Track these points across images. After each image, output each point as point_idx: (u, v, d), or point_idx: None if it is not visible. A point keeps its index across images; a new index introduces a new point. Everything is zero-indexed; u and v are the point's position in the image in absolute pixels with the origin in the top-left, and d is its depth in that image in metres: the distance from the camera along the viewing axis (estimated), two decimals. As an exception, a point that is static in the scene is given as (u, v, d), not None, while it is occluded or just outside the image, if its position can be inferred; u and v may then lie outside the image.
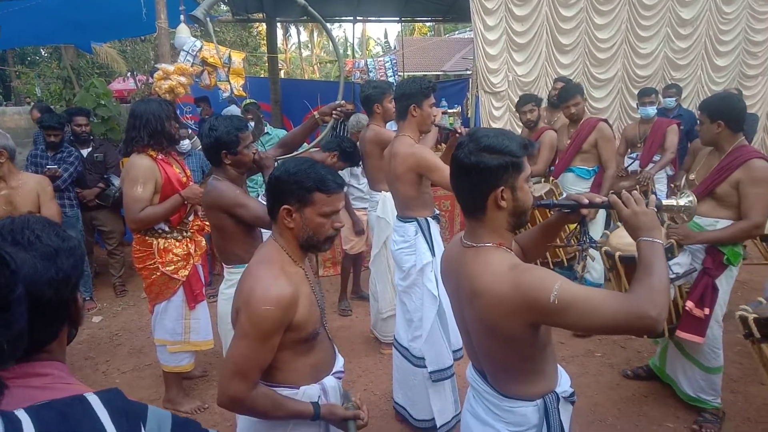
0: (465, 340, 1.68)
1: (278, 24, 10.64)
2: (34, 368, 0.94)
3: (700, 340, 2.92)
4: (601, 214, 4.47)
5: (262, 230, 2.72)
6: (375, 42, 33.48)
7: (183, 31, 5.06)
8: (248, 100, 5.59)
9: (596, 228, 4.19)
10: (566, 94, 4.48)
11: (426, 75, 15.49)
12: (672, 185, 5.12)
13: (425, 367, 2.95)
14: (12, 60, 14.81)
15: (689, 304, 2.91)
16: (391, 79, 8.63)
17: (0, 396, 0.74)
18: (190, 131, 5.41)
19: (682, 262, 3.01)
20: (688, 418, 3.11)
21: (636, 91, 5.78)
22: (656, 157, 4.99)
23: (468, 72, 11.89)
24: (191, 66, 4.86)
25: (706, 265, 2.93)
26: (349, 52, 16.54)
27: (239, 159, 2.59)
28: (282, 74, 18.27)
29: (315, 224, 1.62)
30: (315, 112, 3.12)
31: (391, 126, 4.03)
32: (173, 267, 3.17)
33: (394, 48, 23.02)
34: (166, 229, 3.18)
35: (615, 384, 3.53)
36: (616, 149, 4.70)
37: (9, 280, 0.75)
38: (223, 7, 9.24)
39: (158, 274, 3.16)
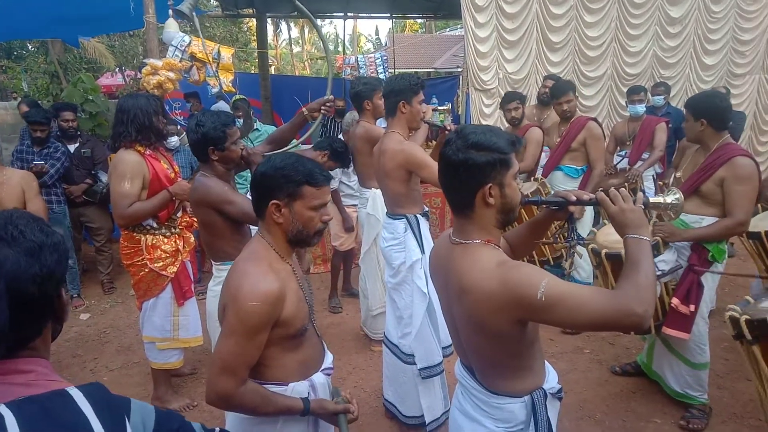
0: (453, 336, 1.68)
1: (269, 20, 10.58)
2: (17, 365, 0.93)
3: (686, 336, 2.95)
4: (589, 212, 4.50)
5: (251, 227, 2.71)
6: (366, 38, 33.48)
7: (171, 26, 5.01)
8: (237, 96, 5.57)
9: (584, 226, 4.22)
10: (558, 90, 4.49)
11: (417, 72, 15.52)
12: (660, 183, 5.16)
13: (415, 364, 2.96)
14: (-3, 54, 14.61)
15: (675, 300, 2.93)
16: (381, 76, 8.61)
17: None
18: (178, 127, 5.37)
19: (667, 259, 3.03)
20: (675, 414, 3.14)
21: (625, 89, 5.83)
22: (645, 155, 5.02)
23: (459, 69, 11.91)
24: (180, 61, 4.81)
25: (691, 262, 2.95)
26: (340, 49, 16.49)
27: (226, 155, 2.58)
28: (272, 70, 18.15)
29: (305, 218, 1.61)
30: (304, 109, 3.10)
31: (381, 123, 4.03)
32: (161, 263, 3.16)
33: (385, 45, 23.01)
34: (155, 225, 3.16)
35: (603, 380, 3.56)
36: (604, 149, 4.73)
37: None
38: (213, 2, 9.16)
39: (146, 270, 3.15)
